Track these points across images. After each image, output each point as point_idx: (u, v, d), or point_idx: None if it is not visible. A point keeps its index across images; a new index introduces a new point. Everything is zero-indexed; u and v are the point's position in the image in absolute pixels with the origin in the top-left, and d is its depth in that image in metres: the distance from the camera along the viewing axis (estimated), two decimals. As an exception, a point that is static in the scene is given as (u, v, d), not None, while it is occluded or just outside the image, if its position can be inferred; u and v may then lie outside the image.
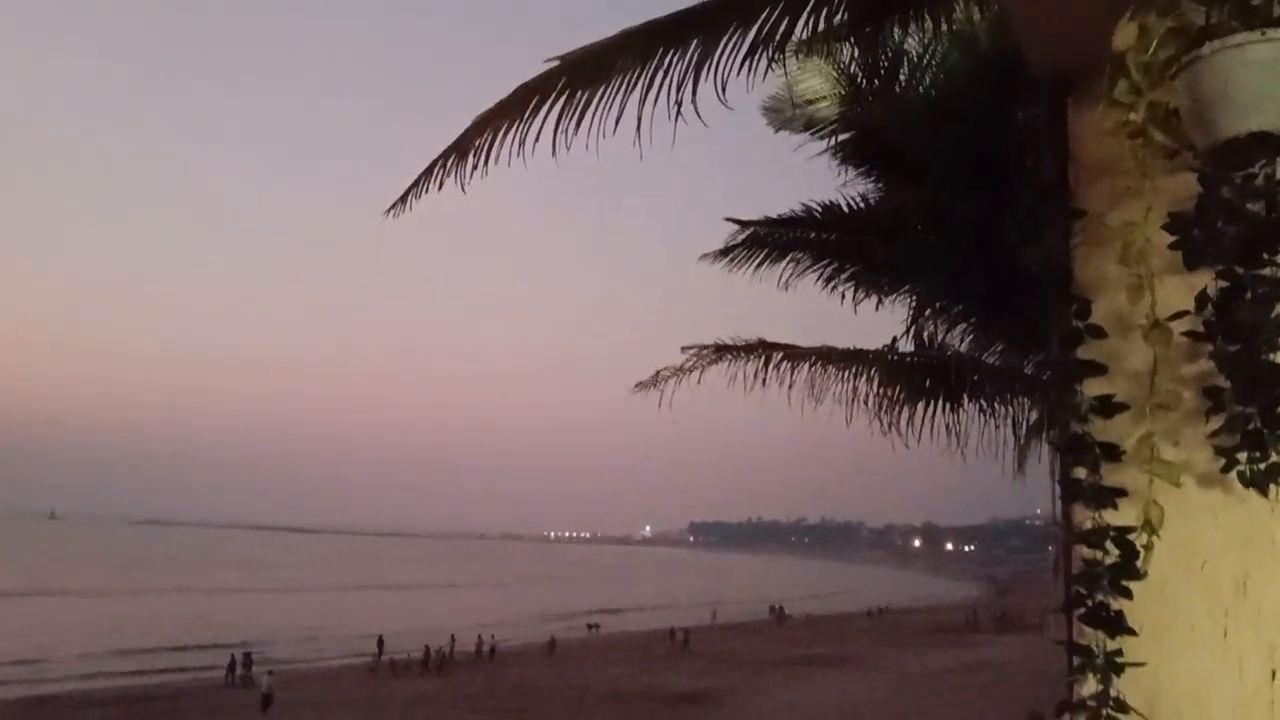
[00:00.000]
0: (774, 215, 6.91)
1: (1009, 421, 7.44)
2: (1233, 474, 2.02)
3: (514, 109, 4.01)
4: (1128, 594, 2.11)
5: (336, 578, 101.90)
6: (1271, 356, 2.04)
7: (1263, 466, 2.01)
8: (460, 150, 4.31)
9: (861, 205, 6.48)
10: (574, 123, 3.90)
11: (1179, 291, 2.14)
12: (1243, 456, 2.02)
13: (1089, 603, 2.15)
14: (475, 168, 4.64)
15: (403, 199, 4.91)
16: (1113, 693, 2.09)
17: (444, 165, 4.72)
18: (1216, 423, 2.06)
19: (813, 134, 6.47)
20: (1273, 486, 2.01)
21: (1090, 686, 2.12)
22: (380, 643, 46.22)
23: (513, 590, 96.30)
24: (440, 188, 4.70)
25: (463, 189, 4.66)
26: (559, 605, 75.75)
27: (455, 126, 4.38)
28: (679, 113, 3.71)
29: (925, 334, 7.01)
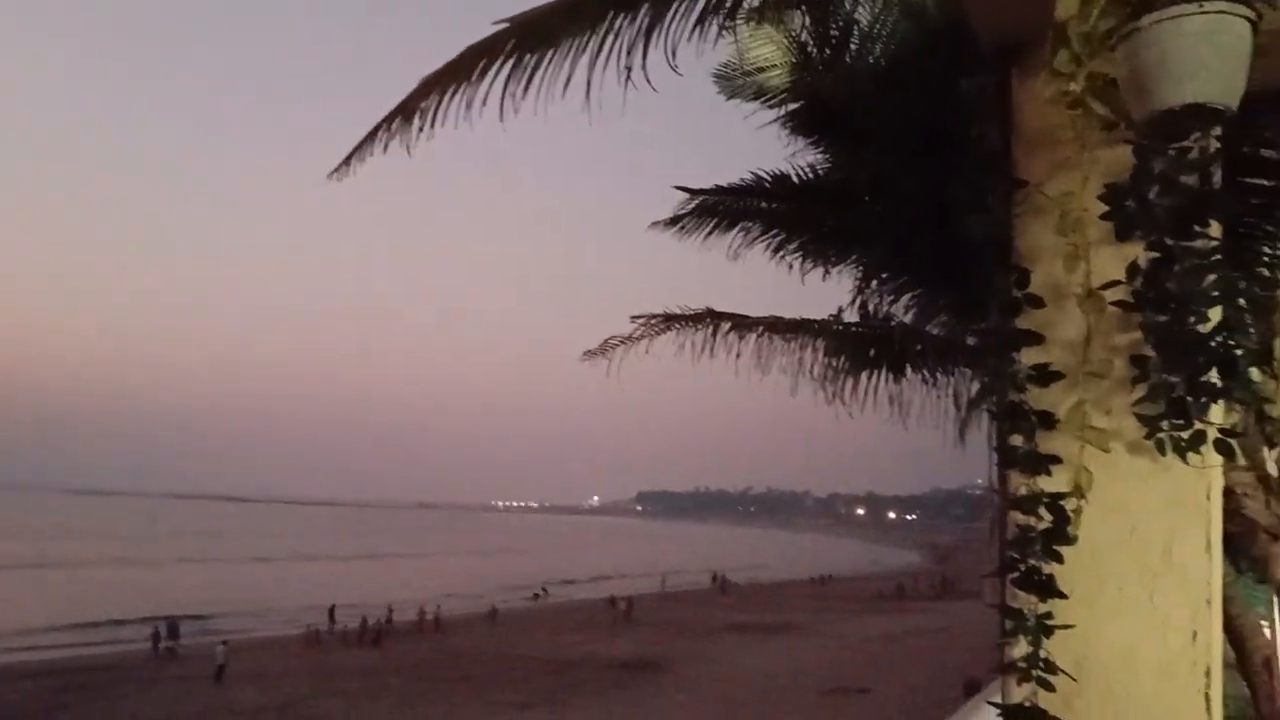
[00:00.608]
0: (724, 184, 6.91)
1: (950, 392, 7.55)
2: (1166, 440, 2.08)
3: (461, 71, 3.93)
4: (1059, 558, 2.16)
5: (277, 548, 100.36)
6: (1198, 327, 2.09)
7: (1186, 435, 2.06)
8: (405, 113, 4.22)
9: (810, 175, 6.48)
10: (523, 86, 3.84)
11: (1114, 261, 2.18)
12: (1166, 425, 2.07)
13: (1022, 567, 2.20)
14: (421, 130, 4.56)
15: (346, 162, 4.81)
16: (1042, 654, 2.15)
17: (389, 128, 4.63)
18: (1141, 391, 2.11)
19: (763, 102, 6.45)
20: (1199, 453, 2.07)
21: (1021, 649, 2.17)
22: (332, 613, 45.98)
23: (458, 561, 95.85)
24: (385, 150, 4.61)
25: (408, 152, 4.58)
26: (506, 575, 75.72)
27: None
28: (629, 78, 3.68)
29: (870, 304, 7.07)
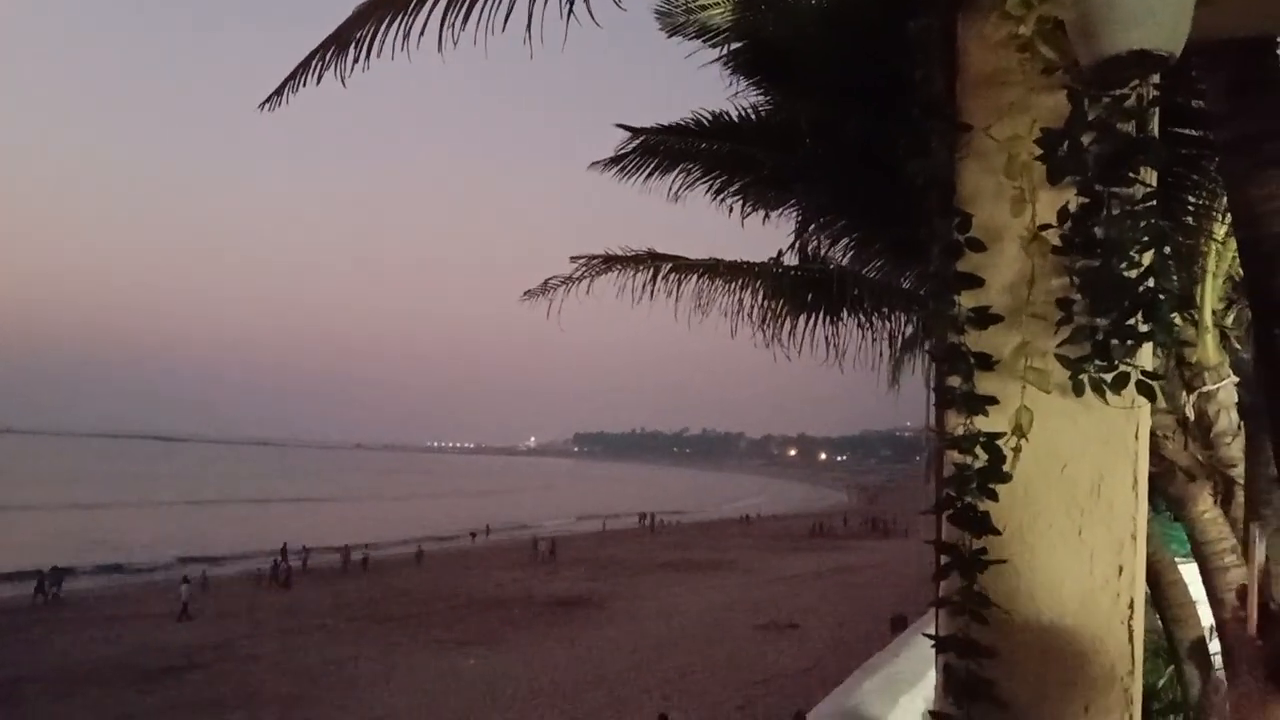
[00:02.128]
0: (665, 124, 6.85)
1: (885, 335, 7.67)
2: (1086, 382, 2.14)
3: (398, 0, 3.81)
4: (994, 496, 2.22)
5: (211, 490, 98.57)
6: (1125, 272, 2.14)
7: (1109, 377, 2.12)
8: (340, 42, 4.08)
9: (752, 117, 6.46)
10: (461, 17, 3.74)
11: (1053, 206, 2.21)
12: (1091, 366, 2.13)
13: (958, 504, 2.25)
14: (356, 61, 4.42)
15: (278, 92, 4.65)
16: (976, 588, 2.22)
17: (323, 58, 4.48)
18: (1065, 333, 2.16)
19: (705, 41, 6.38)
20: (1121, 395, 2.13)
21: (956, 583, 2.24)
22: (284, 552, 45.59)
23: (398, 503, 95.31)
24: (319, 81, 4.47)
25: (342, 83, 4.44)
26: (448, 516, 75.52)
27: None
28: (570, 10, 3.60)
29: (810, 248, 7.12)
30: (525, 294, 7.59)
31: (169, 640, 27.70)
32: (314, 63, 4.47)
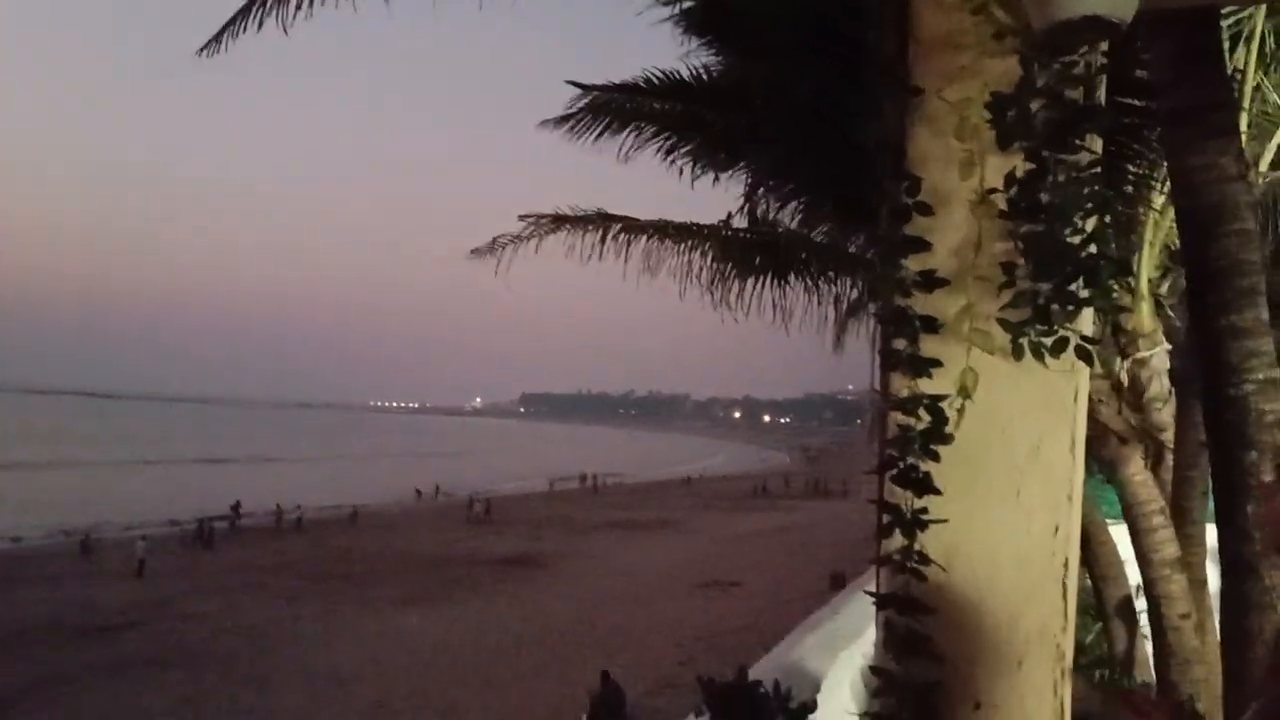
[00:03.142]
0: (617, 82, 6.78)
1: (831, 299, 7.74)
2: (1026, 345, 2.18)
3: (344, -53, 3.71)
4: (935, 457, 2.26)
5: (137, 450, 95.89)
6: (1069, 238, 2.18)
7: (1049, 341, 2.17)
8: (281, -12, 3.98)
9: (704, 77, 6.42)
10: (408, -35, 3.66)
11: (1001, 172, 2.23)
12: (1031, 330, 2.17)
13: (900, 465, 2.29)
14: (299, 8, 4.31)
15: (217, 38, 4.53)
16: (916, 547, 2.26)
17: (264, 4, 4.37)
18: (1008, 297, 2.19)
19: (657, -2, 6.32)
20: (1059, 358, 2.18)
21: (897, 542, 2.28)
22: (237, 509, 44.81)
23: (335, 463, 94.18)
24: (260, 27, 4.35)
25: (285, 31, 4.33)
26: (387, 478, 74.89)
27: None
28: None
29: (759, 211, 7.13)
30: (472, 252, 7.52)
31: (106, 599, 27.27)
32: (254, 8, 4.35)
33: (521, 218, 7.30)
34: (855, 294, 7.84)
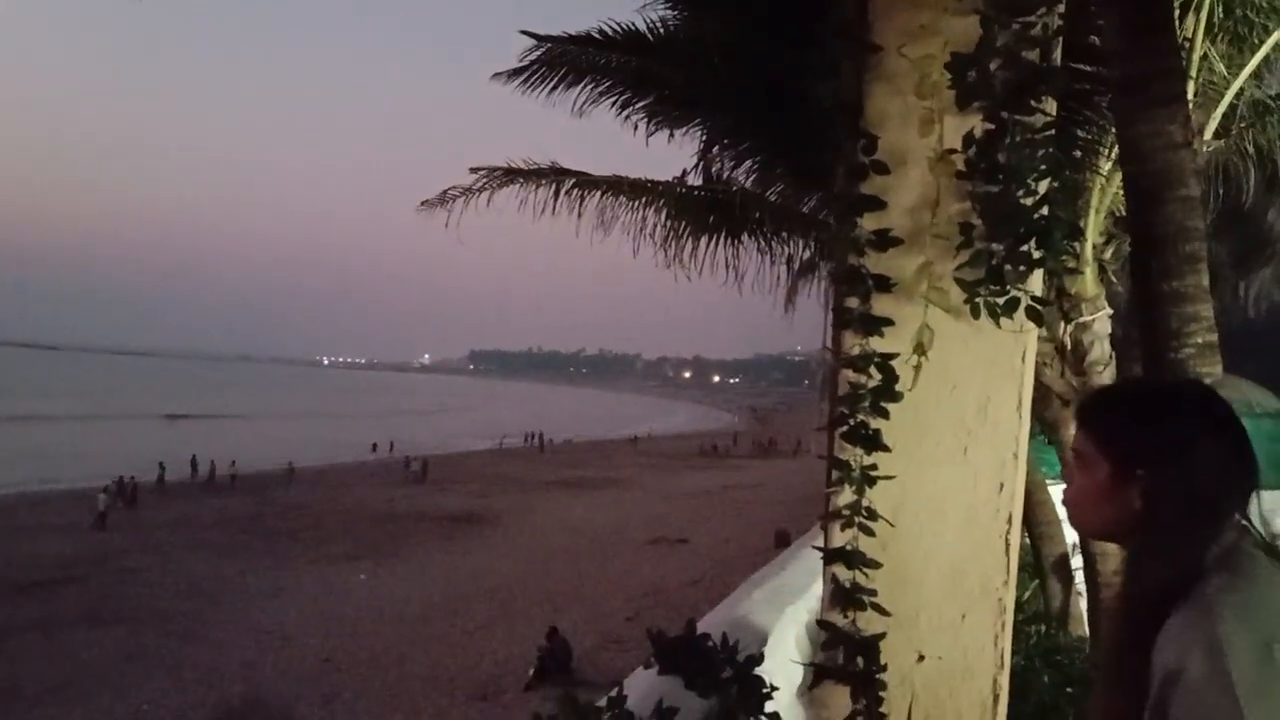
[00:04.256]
0: (572, 33, 6.68)
1: (784, 259, 7.78)
2: (980, 305, 2.21)
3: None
4: (885, 414, 2.29)
5: (71, 404, 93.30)
6: (1023, 199, 2.21)
7: (1002, 301, 2.20)
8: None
9: (661, 31, 6.36)
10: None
11: (959, 132, 2.25)
12: (984, 290, 2.20)
13: (851, 422, 2.32)
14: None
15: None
16: (865, 502, 2.30)
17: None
18: (964, 257, 2.22)
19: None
20: (1012, 319, 2.21)
21: (846, 497, 2.31)
22: (200, 463, 43.60)
23: (278, 421, 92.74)
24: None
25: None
26: (335, 435, 74.06)
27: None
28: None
29: (714, 169, 7.12)
30: (422, 204, 7.42)
31: (41, 554, 26.78)
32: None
33: (473, 170, 7.21)
34: (807, 255, 7.90)
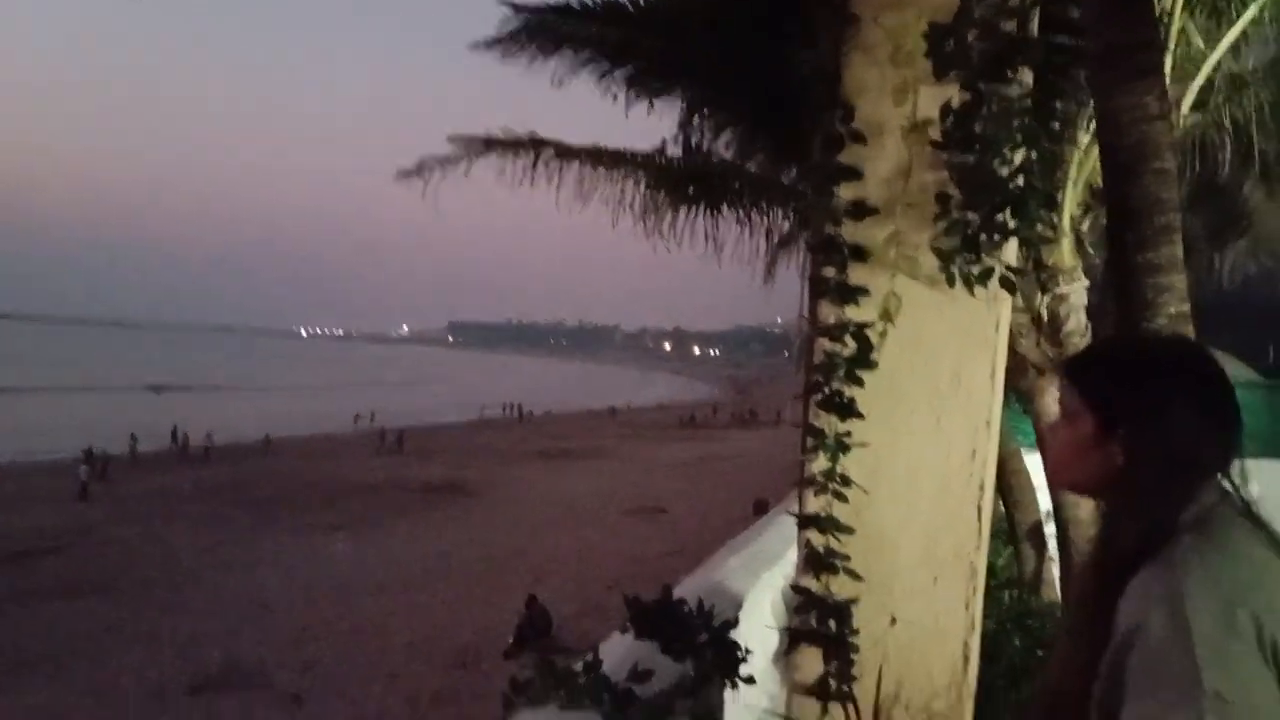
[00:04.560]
0: (552, 3, 6.61)
1: (763, 230, 7.78)
2: (956, 273, 2.23)
3: None
4: (860, 383, 2.31)
5: (56, 377, 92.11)
6: (999, 169, 2.22)
7: (976, 270, 2.22)
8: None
9: (641, 1, 6.31)
10: None
11: (936, 102, 2.26)
12: (959, 260, 2.22)
13: (826, 390, 2.34)
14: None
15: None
16: (839, 470, 2.32)
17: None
18: (940, 227, 2.24)
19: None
20: (986, 287, 2.23)
21: (820, 464, 2.34)
22: (177, 435, 42.99)
23: (266, 392, 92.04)
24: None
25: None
26: (314, 406, 73.64)
27: None
28: None
29: (693, 140, 7.09)
30: (400, 173, 7.36)
31: (22, 526, 26.63)
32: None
33: (450, 139, 7.15)
34: (786, 226, 7.90)
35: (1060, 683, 1.43)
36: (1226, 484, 1.37)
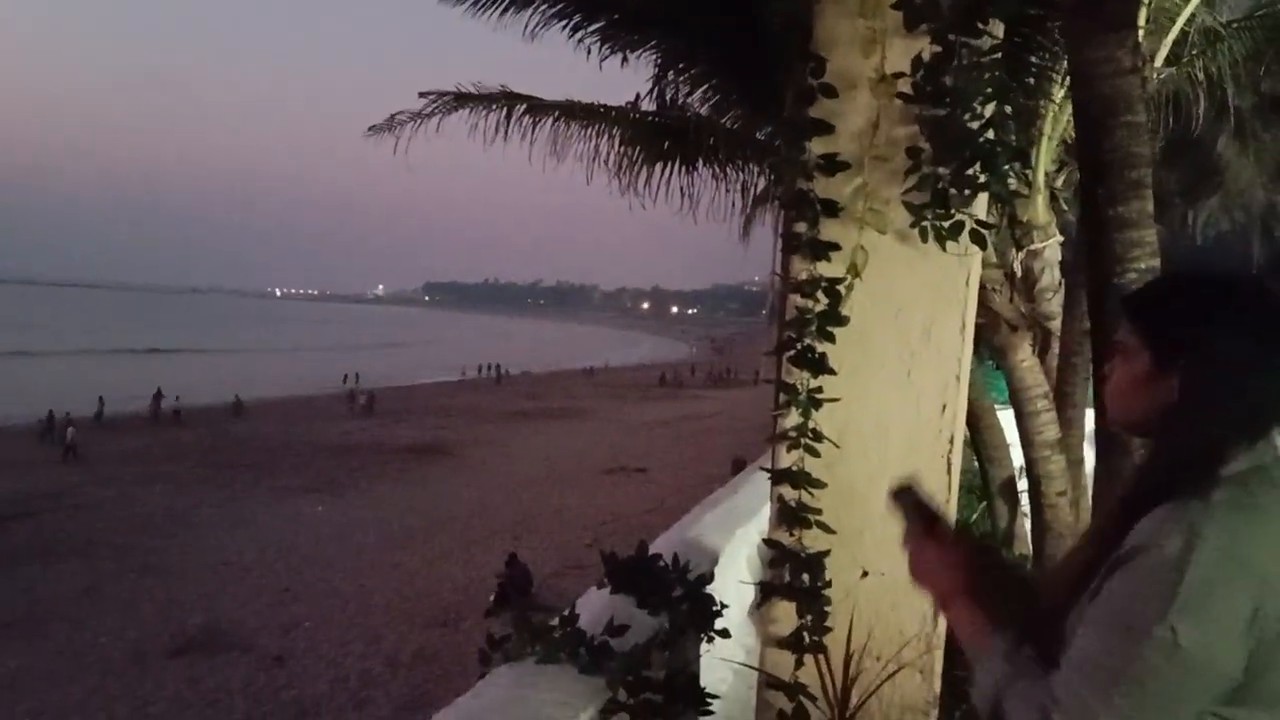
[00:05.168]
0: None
1: (739, 187, 7.75)
2: (927, 229, 2.23)
3: None
4: (831, 338, 2.32)
5: (22, 340, 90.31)
6: (969, 123, 2.21)
7: (946, 225, 2.22)
8: None
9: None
10: None
11: (907, 55, 2.24)
12: (930, 214, 2.22)
13: (798, 346, 2.34)
14: None
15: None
16: (811, 424, 2.33)
17: None
18: (911, 181, 2.23)
19: None
20: (957, 242, 2.23)
21: (793, 419, 2.35)
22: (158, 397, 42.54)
23: (241, 355, 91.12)
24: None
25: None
26: (291, 368, 73.12)
27: None
28: None
29: (668, 95, 7.02)
30: (370, 129, 7.27)
31: (-8, 489, 26.42)
32: None
33: (422, 94, 7.05)
34: (762, 183, 7.86)
35: (1050, 594, 1.42)
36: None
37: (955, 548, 1.58)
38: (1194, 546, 1.19)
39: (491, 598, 16.68)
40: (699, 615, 2.76)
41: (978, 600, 1.53)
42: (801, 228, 2.36)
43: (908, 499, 1.63)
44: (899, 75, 2.23)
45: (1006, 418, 7.22)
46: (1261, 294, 1.40)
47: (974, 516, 8.07)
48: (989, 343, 6.49)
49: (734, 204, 7.77)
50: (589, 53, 6.79)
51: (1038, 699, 1.30)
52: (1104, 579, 1.28)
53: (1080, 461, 6.78)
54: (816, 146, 2.34)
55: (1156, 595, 1.20)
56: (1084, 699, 1.25)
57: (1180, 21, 6.51)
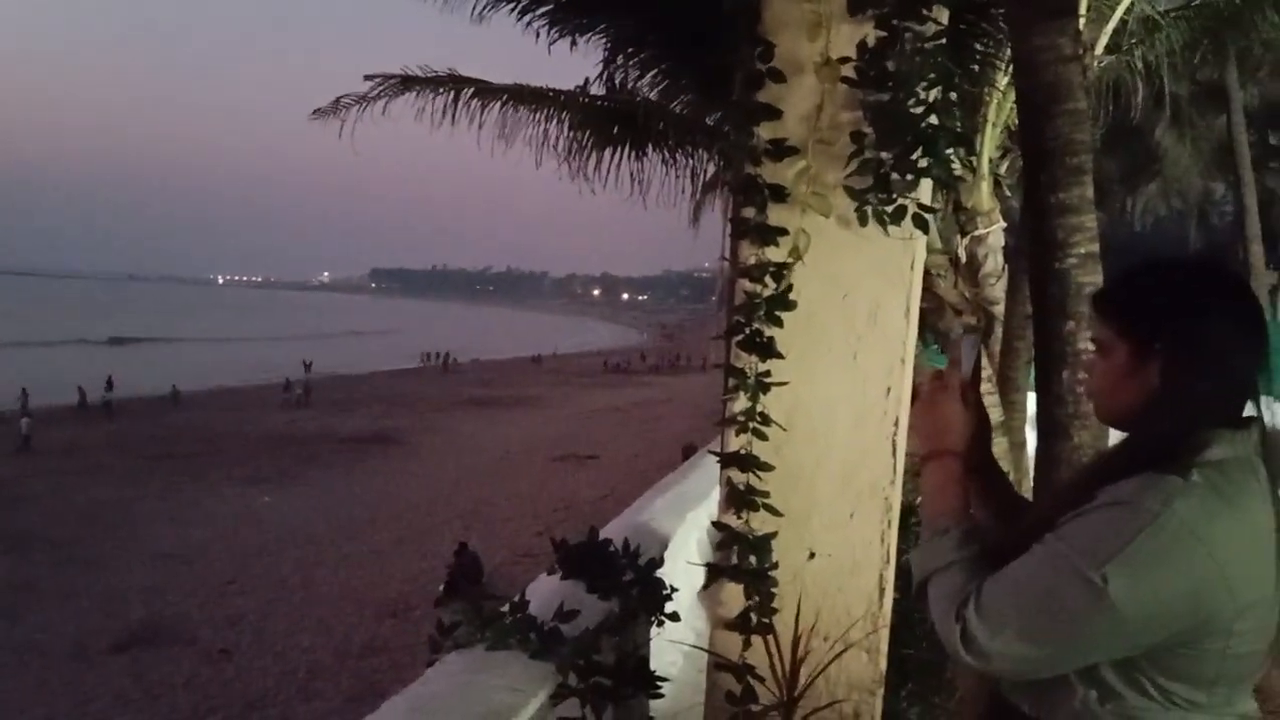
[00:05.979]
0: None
1: (689, 173, 7.76)
2: (869, 213, 2.25)
3: None
4: (779, 323, 2.33)
5: None
6: (912, 108, 2.24)
7: (889, 209, 2.24)
8: None
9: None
10: None
11: (852, 40, 2.25)
12: (873, 198, 2.24)
13: (746, 330, 2.35)
14: None
15: None
16: (759, 408, 2.35)
17: None
18: (854, 166, 2.25)
19: None
20: (900, 226, 2.25)
21: (741, 403, 2.36)
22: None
23: (182, 344, 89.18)
24: None
25: None
26: (235, 356, 71.88)
27: None
28: None
29: (618, 79, 7.00)
30: (314, 112, 7.16)
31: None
32: None
33: (368, 78, 6.96)
34: (712, 168, 7.88)
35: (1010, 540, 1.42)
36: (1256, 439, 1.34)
37: (970, 417, 1.63)
38: (1160, 515, 1.22)
39: (441, 587, 16.59)
40: (649, 599, 2.77)
41: (963, 475, 1.59)
42: (750, 213, 2.37)
43: (967, 348, 1.65)
44: (844, 60, 2.24)
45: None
46: (1223, 272, 1.43)
47: (918, 499, 8.21)
48: (934, 328, 6.59)
49: (684, 189, 7.79)
50: (537, 36, 6.74)
51: (962, 592, 1.36)
52: (1068, 521, 1.31)
53: (1022, 444, 6.91)
54: (764, 131, 2.35)
55: (1105, 544, 1.23)
56: (1001, 609, 1.31)
57: (1120, 10, 6.64)
